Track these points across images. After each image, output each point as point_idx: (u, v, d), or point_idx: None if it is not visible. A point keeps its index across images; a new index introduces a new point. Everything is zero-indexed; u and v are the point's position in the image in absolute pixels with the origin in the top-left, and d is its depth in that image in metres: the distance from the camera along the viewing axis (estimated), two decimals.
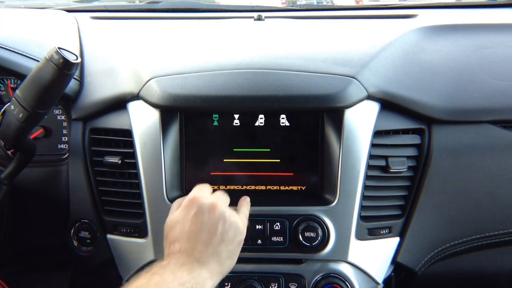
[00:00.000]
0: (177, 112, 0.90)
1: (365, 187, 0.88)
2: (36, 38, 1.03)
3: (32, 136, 0.98)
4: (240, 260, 0.88)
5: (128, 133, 0.90)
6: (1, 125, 0.86)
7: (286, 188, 0.92)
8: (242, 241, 0.75)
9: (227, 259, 0.72)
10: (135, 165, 0.89)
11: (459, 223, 0.94)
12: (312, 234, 0.86)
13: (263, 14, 1.19)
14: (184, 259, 0.68)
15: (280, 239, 0.87)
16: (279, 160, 0.91)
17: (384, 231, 0.91)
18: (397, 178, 0.91)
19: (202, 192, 0.77)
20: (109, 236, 0.95)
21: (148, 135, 0.88)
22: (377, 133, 0.88)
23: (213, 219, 0.72)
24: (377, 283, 0.93)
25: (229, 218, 0.73)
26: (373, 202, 0.90)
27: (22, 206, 1.00)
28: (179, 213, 0.74)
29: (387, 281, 0.99)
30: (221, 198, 0.77)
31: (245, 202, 0.83)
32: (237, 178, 0.91)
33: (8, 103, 0.89)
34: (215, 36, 1.11)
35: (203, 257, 0.69)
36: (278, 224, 0.87)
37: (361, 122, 0.87)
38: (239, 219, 0.75)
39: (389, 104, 0.90)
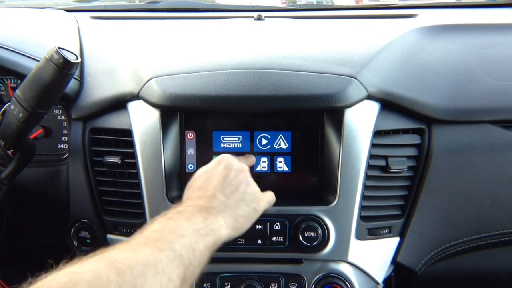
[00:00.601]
0: (177, 112, 0.90)
1: (365, 187, 0.88)
2: (36, 38, 1.03)
3: (32, 136, 0.98)
4: (240, 260, 0.88)
5: (128, 133, 0.90)
6: (1, 125, 0.86)
7: (286, 188, 0.92)
8: (258, 211, 0.77)
9: (243, 217, 0.73)
10: (135, 165, 0.89)
11: (459, 223, 0.94)
12: (312, 234, 0.86)
13: (263, 14, 1.19)
14: (201, 206, 0.69)
15: (280, 239, 0.87)
16: (279, 160, 0.91)
17: (384, 231, 0.91)
18: (397, 178, 0.91)
19: (237, 158, 0.82)
20: (109, 236, 0.95)
21: (148, 135, 0.88)
22: (377, 133, 0.88)
23: (238, 177, 0.76)
24: (377, 283, 0.93)
25: (251, 183, 0.78)
26: (373, 202, 0.90)
27: (22, 206, 1.00)
28: (208, 166, 0.78)
29: (387, 281, 0.99)
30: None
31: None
32: None
33: (8, 103, 0.89)
34: (215, 36, 1.11)
35: (221, 206, 0.71)
36: (278, 224, 0.87)
37: (361, 122, 0.87)
38: (259, 191, 0.79)
39: (389, 104, 0.90)
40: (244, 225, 0.74)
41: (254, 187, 0.78)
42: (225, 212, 0.71)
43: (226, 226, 0.69)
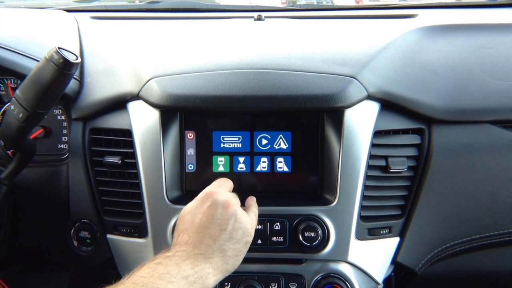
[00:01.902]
0: (177, 112, 0.90)
1: (365, 187, 0.88)
2: (36, 38, 1.03)
3: (32, 136, 0.98)
4: None
5: (128, 133, 0.90)
6: (1, 125, 0.86)
7: (286, 188, 0.92)
8: (250, 242, 0.75)
9: (233, 257, 0.72)
10: (135, 165, 0.89)
11: (459, 223, 0.94)
12: (312, 234, 0.86)
13: (263, 14, 1.19)
14: (190, 252, 0.68)
15: (280, 239, 0.87)
16: (279, 160, 0.91)
17: (384, 231, 0.91)
18: (397, 178, 0.91)
19: (219, 187, 0.78)
20: (109, 236, 0.95)
21: (148, 135, 0.88)
22: (377, 133, 0.88)
23: (224, 215, 0.72)
24: (377, 283, 0.93)
25: (240, 217, 0.73)
26: (373, 202, 0.90)
27: (22, 206, 1.00)
28: (193, 205, 0.75)
29: (387, 281, 0.99)
30: (236, 198, 0.78)
31: (254, 202, 0.83)
32: (238, 178, 0.91)
33: (8, 103, 0.90)
34: (215, 36, 1.11)
35: (208, 252, 0.69)
36: (278, 224, 0.87)
37: (361, 122, 0.87)
38: (249, 220, 0.75)
39: (389, 104, 0.90)
40: (236, 263, 0.73)
41: (242, 218, 0.74)
42: (214, 257, 0.69)
43: (215, 272, 0.69)
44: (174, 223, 0.87)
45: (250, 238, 0.74)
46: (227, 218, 0.72)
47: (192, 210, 0.74)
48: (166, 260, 0.66)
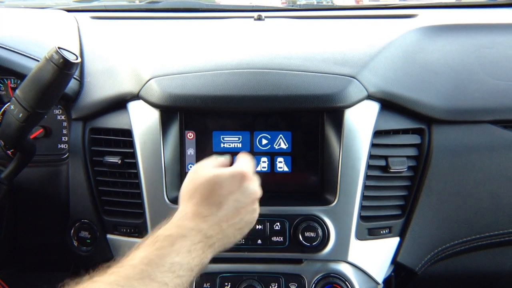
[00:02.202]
0: (177, 112, 0.90)
1: (365, 187, 0.88)
2: (36, 38, 1.03)
3: (32, 136, 0.98)
4: (240, 260, 0.88)
5: (128, 133, 0.90)
6: (1, 125, 0.86)
7: (286, 188, 0.92)
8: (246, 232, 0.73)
9: (229, 243, 0.70)
10: (135, 165, 0.89)
11: (459, 223, 0.94)
12: (312, 234, 0.86)
13: (263, 14, 1.19)
14: (204, 233, 0.64)
15: (280, 239, 0.87)
16: (279, 160, 0.91)
17: (384, 231, 0.91)
18: (397, 178, 0.91)
19: (253, 174, 0.73)
20: (109, 236, 0.95)
21: (148, 135, 0.88)
22: (377, 133, 0.88)
23: (248, 206, 0.70)
24: (377, 283, 0.93)
25: (257, 211, 0.72)
26: (373, 202, 0.90)
27: (22, 206, 1.00)
28: (226, 177, 0.69)
29: (387, 281, 0.99)
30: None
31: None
32: None
33: (8, 103, 0.90)
34: (215, 36, 1.11)
35: (218, 236, 0.66)
36: (278, 224, 0.87)
37: (361, 122, 0.87)
38: (257, 215, 0.74)
39: (389, 104, 0.90)
40: (227, 247, 0.70)
41: (255, 215, 0.72)
42: (220, 241, 0.67)
43: (212, 256, 0.66)
44: None
45: (248, 230, 0.73)
46: (249, 210, 0.70)
47: (223, 183, 0.68)
48: (180, 242, 0.61)
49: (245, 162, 0.75)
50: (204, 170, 0.71)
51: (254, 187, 0.72)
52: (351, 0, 1.80)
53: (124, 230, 0.93)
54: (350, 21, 1.21)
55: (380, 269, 0.93)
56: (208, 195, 0.68)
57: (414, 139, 0.91)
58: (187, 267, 0.60)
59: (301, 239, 0.85)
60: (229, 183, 0.69)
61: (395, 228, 0.92)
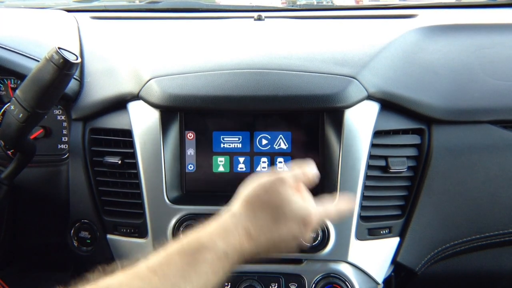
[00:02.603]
0: (177, 112, 0.90)
1: (365, 187, 0.88)
2: (36, 38, 1.03)
3: (32, 136, 0.98)
4: None
5: (128, 133, 0.90)
6: (1, 125, 0.86)
7: None
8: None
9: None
10: (135, 165, 0.89)
11: (459, 223, 0.94)
12: (312, 234, 0.86)
13: (263, 14, 1.19)
14: (245, 252, 0.60)
15: None
16: (279, 160, 0.91)
17: (384, 231, 0.91)
18: (397, 178, 0.91)
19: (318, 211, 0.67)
20: (109, 236, 0.95)
21: (148, 135, 0.88)
22: (377, 133, 0.88)
23: (297, 233, 0.63)
24: (377, 283, 0.93)
25: (308, 228, 0.64)
26: (373, 202, 0.90)
27: (22, 206, 1.00)
28: (281, 188, 0.63)
29: (387, 281, 0.99)
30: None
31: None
32: (238, 178, 0.91)
33: (8, 103, 0.90)
34: (215, 36, 1.11)
35: (258, 249, 0.61)
36: None
37: (361, 122, 0.87)
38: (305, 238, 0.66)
39: (389, 104, 0.90)
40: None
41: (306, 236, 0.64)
42: (248, 255, 0.61)
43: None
44: (175, 223, 0.87)
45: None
46: (296, 237, 0.63)
47: (280, 195, 0.62)
48: (218, 262, 0.57)
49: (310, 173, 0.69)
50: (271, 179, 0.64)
51: (317, 221, 0.65)
52: (351, 0, 1.80)
53: (124, 230, 0.93)
54: (350, 21, 1.21)
55: (380, 269, 0.93)
56: (266, 219, 0.61)
57: (414, 139, 0.91)
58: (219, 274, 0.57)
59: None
60: (282, 194, 0.63)
61: (395, 228, 0.92)
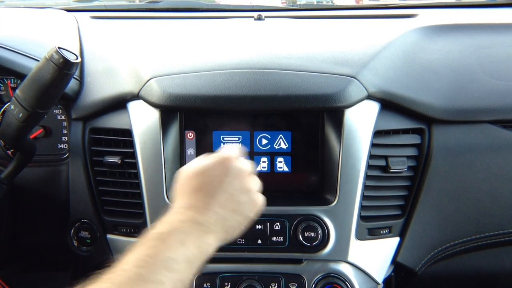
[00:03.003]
0: (177, 112, 0.90)
1: (365, 187, 0.88)
2: (36, 38, 1.03)
3: (32, 136, 0.98)
4: (240, 260, 0.88)
5: (128, 133, 0.90)
6: (1, 125, 0.86)
7: (286, 188, 0.92)
8: (251, 219, 0.70)
9: (233, 228, 0.68)
10: (135, 165, 0.89)
11: (459, 223, 0.94)
12: (312, 234, 0.86)
13: (263, 14, 1.19)
14: (196, 221, 0.63)
15: (280, 239, 0.87)
16: (279, 160, 0.91)
17: (384, 231, 0.91)
18: (397, 178, 0.91)
19: (234, 153, 0.72)
20: (109, 236, 0.95)
21: (148, 135, 0.88)
22: (377, 133, 0.88)
23: (236, 185, 0.68)
24: (377, 283, 0.93)
25: (251, 191, 0.70)
26: (373, 202, 0.90)
27: (22, 206, 1.00)
28: (207, 165, 0.69)
29: (387, 281, 0.99)
30: (253, 167, 0.73)
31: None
32: None
33: (8, 103, 0.89)
34: (215, 35, 1.11)
35: (215, 221, 0.64)
36: (278, 224, 0.87)
37: (361, 122, 0.87)
38: (258, 198, 0.71)
39: (389, 104, 0.90)
40: (233, 235, 0.69)
41: (253, 195, 0.70)
42: (217, 226, 0.65)
43: (215, 243, 0.64)
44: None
45: (252, 215, 0.70)
46: (238, 189, 0.68)
47: (206, 171, 0.68)
48: (171, 235, 0.60)
49: (227, 148, 0.74)
50: (189, 165, 0.70)
51: (242, 166, 0.70)
52: (351, 0, 1.80)
53: (124, 230, 0.93)
54: (350, 21, 1.21)
55: (380, 269, 0.93)
56: (198, 187, 0.67)
57: (414, 139, 0.91)
58: (184, 259, 0.59)
59: (301, 239, 0.86)
60: (215, 169, 0.68)
61: (395, 228, 0.92)
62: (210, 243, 0.64)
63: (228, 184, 0.68)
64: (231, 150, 0.73)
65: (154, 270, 0.56)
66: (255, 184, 0.71)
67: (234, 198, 0.68)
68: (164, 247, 0.59)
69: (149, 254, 0.58)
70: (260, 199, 0.72)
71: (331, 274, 0.88)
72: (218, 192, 0.66)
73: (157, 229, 0.62)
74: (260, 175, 0.90)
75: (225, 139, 0.91)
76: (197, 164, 0.70)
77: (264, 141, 0.91)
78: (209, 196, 0.66)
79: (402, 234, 0.93)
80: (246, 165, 0.71)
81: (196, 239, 0.62)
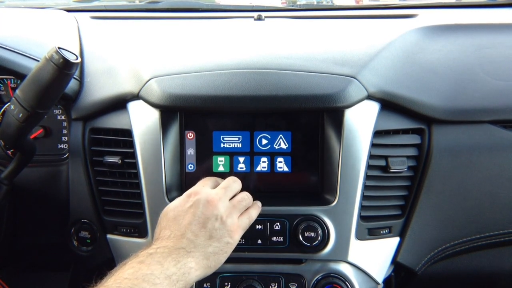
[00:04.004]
0: (177, 112, 0.90)
1: (365, 187, 0.88)
2: (36, 38, 1.03)
3: (32, 136, 0.98)
4: (240, 260, 0.88)
5: (128, 133, 0.90)
6: (1, 125, 0.86)
7: (286, 188, 0.92)
8: (231, 243, 0.75)
9: (214, 254, 0.72)
10: (135, 165, 0.89)
11: (459, 223, 0.94)
12: (312, 234, 0.86)
13: (263, 14, 1.20)
14: (172, 247, 0.69)
15: (280, 239, 0.87)
16: (279, 160, 0.91)
17: (384, 231, 0.91)
18: (397, 178, 0.91)
19: (203, 186, 0.80)
20: (109, 236, 0.95)
21: (148, 135, 0.88)
22: (377, 133, 0.88)
23: (205, 214, 0.74)
24: (377, 283, 0.93)
25: (222, 217, 0.75)
26: (373, 202, 0.90)
27: (22, 206, 1.00)
28: (176, 203, 0.78)
29: (387, 281, 0.99)
30: (225, 195, 0.78)
31: (256, 206, 0.84)
32: (238, 177, 0.91)
33: (8, 103, 0.89)
34: (215, 36, 1.11)
35: (190, 246, 0.70)
36: (278, 224, 0.87)
37: (361, 122, 0.87)
38: (233, 222, 0.76)
39: (389, 104, 0.90)
40: (217, 261, 0.73)
41: (224, 219, 0.75)
42: (195, 252, 0.70)
43: (197, 267, 0.69)
44: None
45: (231, 240, 0.75)
46: (207, 217, 0.73)
47: (175, 207, 0.76)
48: (149, 258, 0.66)
49: (198, 184, 0.82)
50: (168, 205, 0.79)
51: (211, 196, 0.76)
52: (351, 0, 1.80)
53: (124, 230, 0.93)
54: (350, 21, 1.21)
55: (380, 269, 0.93)
56: (172, 220, 0.74)
57: (414, 139, 0.91)
58: (163, 276, 0.63)
59: (301, 239, 0.85)
60: (185, 204, 0.76)
61: (395, 228, 0.92)
62: (191, 266, 0.68)
63: (197, 215, 0.73)
64: (200, 184, 0.81)
65: (135, 284, 0.60)
66: (228, 209, 0.77)
67: (207, 226, 0.73)
68: (143, 267, 0.64)
69: (128, 273, 0.63)
70: (235, 224, 0.76)
71: (331, 274, 0.88)
72: (191, 222, 0.73)
73: (134, 258, 0.67)
74: (260, 175, 0.91)
75: (225, 139, 0.91)
76: (173, 202, 0.79)
77: (264, 141, 0.91)
78: (183, 226, 0.72)
79: (402, 234, 0.93)
80: (216, 194, 0.77)
81: (173, 260, 0.67)
